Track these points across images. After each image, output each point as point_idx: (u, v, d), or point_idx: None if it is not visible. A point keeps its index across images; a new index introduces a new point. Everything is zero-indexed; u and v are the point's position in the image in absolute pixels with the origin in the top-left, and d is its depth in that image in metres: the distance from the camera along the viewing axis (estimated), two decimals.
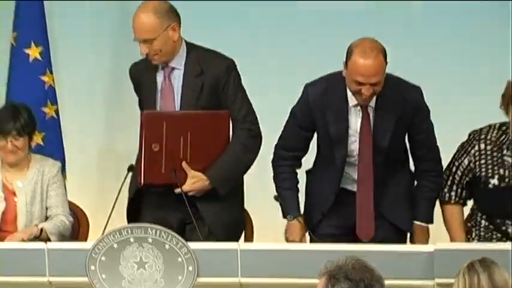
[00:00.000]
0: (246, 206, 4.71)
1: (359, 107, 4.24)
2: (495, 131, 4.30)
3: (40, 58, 5.21)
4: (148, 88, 4.37)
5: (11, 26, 5.26)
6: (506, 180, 4.27)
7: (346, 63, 4.13)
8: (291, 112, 4.38)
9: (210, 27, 5.91)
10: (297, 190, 4.39)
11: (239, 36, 5.96)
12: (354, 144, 4.28)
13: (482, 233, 4.35)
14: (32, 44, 5.18)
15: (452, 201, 4.35)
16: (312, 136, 4.36)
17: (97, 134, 5.70)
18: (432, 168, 4.36)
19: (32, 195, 4.59)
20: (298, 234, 4.30)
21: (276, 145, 4.44)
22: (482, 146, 4.28)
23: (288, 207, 4.32)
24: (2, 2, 5.33)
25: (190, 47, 4.38)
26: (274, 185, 4.47)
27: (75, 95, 5.44)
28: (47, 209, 4.62)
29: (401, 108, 4.25)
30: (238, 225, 4.55)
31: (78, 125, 5.40)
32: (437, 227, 4.70)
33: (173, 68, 4.34)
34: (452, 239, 4.39)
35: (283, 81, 5.88)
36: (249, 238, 4.70)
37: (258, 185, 4.90)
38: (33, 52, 5.20)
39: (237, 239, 4.44)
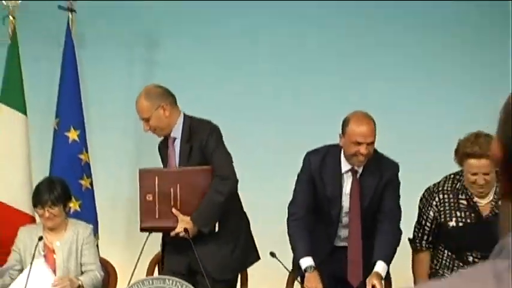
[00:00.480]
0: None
1: (350, 173, 4.36)
2: (450, 181, 4.38)
3: (78, 140, 5.28)
4: (163, 155, 4.56)
5: (54, 113, 5.31)
6: (463, 220, 4.34)
7: (343, 133, 4.28)
8: (297, 177, 4.50)
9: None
10: (310, 244, 4.38)
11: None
12: (345, 204, 4.40)
13: (444, 261, 4.42)
14: (71, 128, 5.25)
15: (424, 248, 4.43)
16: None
17: (124, 202, 5.67)
18: (391, 227, 4.42)
19: (68, 253, 4.61)
20: (318, 283, 4.30)
21: (288, 206, 4.53)
22: (441, 196, 4.36)
23: (299, 255, 4.35)
24: (46, 95, 5.50)
25: (186, 118, 4.55)
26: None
27: (107, 170, 5.39)
28: (81, 265, 4.63)
29: (379, 179, 4.40)
30: (236, 261, 4.56)
31: (108, 194, 5.32)
32: (401, 273, 4.70)
33: (175, 138, 4.51)
34: (416, 279, 4.48)
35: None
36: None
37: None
38: (72, 135, 5.26)
39: (233, 275, 4.55)
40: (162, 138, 4.63)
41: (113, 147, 5.11)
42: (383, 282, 4.38)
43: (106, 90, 5.68)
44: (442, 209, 4.36)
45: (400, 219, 4.45)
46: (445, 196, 4.36)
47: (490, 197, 4.32)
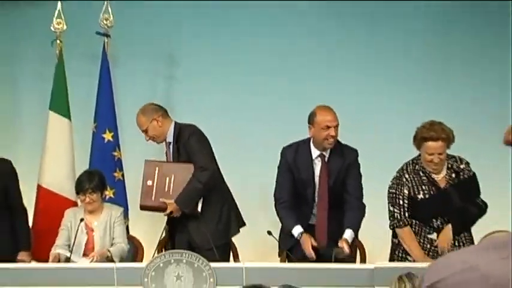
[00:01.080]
0: None
1: (319, 158, 4.59)
2: (410, 165, 4.48)
3: (112, 140, 5.37)
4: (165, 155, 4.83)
5: (93, 118, 5.41)
6: (428, 192, 4.44)
7: (312, 123, 4.53)
8: (278, 169, 4.67)
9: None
10: (297, 218, 4.48)
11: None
12: (317, 184, 4.59)
13: (412, 228, 4.45)
14: (107, 130, 5.35)
15: (407, 223, 4.45)
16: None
17: None
18: (356, 203, 4.59)
19: (103, 231, 4.75)
20: (312, 241, 4.45)
21: (274, 194, 4.66)
22: (407, 176, 4.46)
23: (291, 227, 4.46)
24: (87, 104, 5.53)
25: (176, 124, 4.80)
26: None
27: (135, 164, 5.29)
28: (113, 239, 4.77)
29: (342, 162, 4.60)
30: (218, 233, 4.73)
31: (136, 184, 5.18)
32: (376, 249, 4.89)
33: (169, 142, 4.80)
34: (413, 253, 4.44)
35: None
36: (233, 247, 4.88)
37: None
38: (107, 136, 5.35)
39: (216, 244, 4.61)
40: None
41: (140, 146, 5.10)
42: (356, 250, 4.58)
43: (134, 100, 5.58)
44: (410, 185, 4.44)
45: (362, 196, 4.62)
46: (410, 176, 4.45)
47: (444, 172, 4.44)
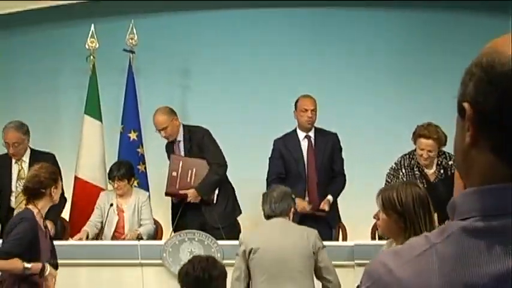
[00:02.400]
0: None
1: (306, 139, 4.70)
2: (407, 160, 4.46)
3: (136, 138, 5.38)
4: (170, 151, 4.87)
5: (120, 121, 5.43)
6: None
7: (296, 108, 4.68)
8: (269, 159, 4.71)
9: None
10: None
11: None
12: (306, 161, 4.68)
13: None
14: (132, 131, 5.38)
15: None
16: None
17: (164, 183, 5.23)
18: (339, 177, 4.71)
19: (132, 212, 4.82)
20: (303, 205, 4.50)
21: (266, 180, 4.69)
22: (403, 170, 4.44)
23: None
24: (116, 109, 5.49)
25: (184, 126, 4.86)
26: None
27: (155, 159, 5.34)
28: (140, 219, 4.84)
29: (326, 142, 4.75)
30: (226, 215, 4.76)
31: (156, 175, 5.25)
32: (356, 226, 4.85)
33: (179, 140, 4.84)
34: None
35: None
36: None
37: None
38: (133, 135, 5.38)
39: (228, 224, 4.69)
40: (167, 141, 4.90)
41: (159, 143, 5.07)
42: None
43: (155, 105, 5.32)
44: (405, 179, 4.44)
45: (343, 167, 4.76)
46: (406, 170, 4.47)
47: (434, 168, 4.43)
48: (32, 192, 3.44)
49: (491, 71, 0.78)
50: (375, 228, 4.54)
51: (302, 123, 4.71)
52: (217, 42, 5.88)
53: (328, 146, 4.74)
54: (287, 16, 5.85)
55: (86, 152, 5.29)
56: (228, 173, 4.88)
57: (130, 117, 5.44)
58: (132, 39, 5.45)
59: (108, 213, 4.74)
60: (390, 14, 5.76)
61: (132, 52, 5.49)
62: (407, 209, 2.53)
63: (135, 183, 5.18)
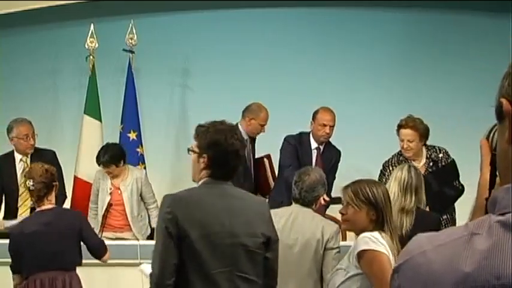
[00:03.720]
0: None
1: (315, 150, 4.69)
2: (396, 157, 4.49)
3: (136, 138, 5.38)
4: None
5: (120, 121, 5.40)
6: None
7: (314, 120, 4.62)
8: (282, 154, 4.63)
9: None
10: None
11: None
12: None
13: None
14: (131, 130, 5.38)
15: None
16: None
17: (168, 180, 5.63)
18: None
19: (131, 192, 4.76)
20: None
21: (281, 165, 4.70)
22: (390, 168, 4.42)
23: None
24: (115, 109, 5.50)
25: None
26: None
27: (155, 159, 5.41)
28: (142, 197, 4.79)
29: (331, 157, 4.75)
30: None
31: (156, 174, 5.27)
32: None
33: (246, 139, 4.70)
34: None
35: None
36: None
37: None
38: (132, 135, 5.38)
39: None
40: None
41: (159, 143, 5.18)
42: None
43: (154, 105, 5.76)
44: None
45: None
46: (393, 167, 4.36)
47: (423, 161, 4.43)
48: (48, 188, 3.47)
49: None
50: None
51: (318, 137, 4.65)
52: (217, 42, 5.88)
53: (333, 161, 4.75)
54: (287, 15, 5.85)
55: (85, 152, 5.26)
56: None
57: (130, 117, 5.44)
58: (131, 39, 5.44)
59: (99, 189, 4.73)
60: (390, 14, 5.74)
61: (132, 52, 5.49)
62: (379, 201, 2.55)
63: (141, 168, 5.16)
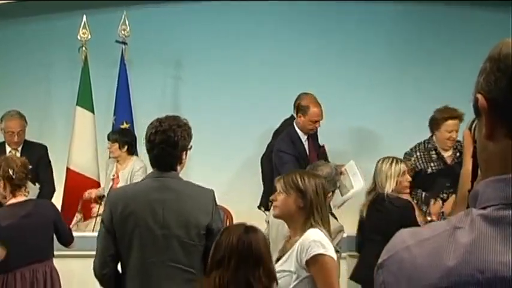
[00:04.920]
0: None
1: (305, 138, 4.65)
2: (422, 145, 4.53)
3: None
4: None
5: (112, 112, 5.43)
6: (436, 167, 4.46)
7: (303, 114, 4.55)
8: (281, 162, 4.50)
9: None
10: None
11: None
12: (309, 159, 4.64)
13: (421, 199, 4.42)
14: (124, 122, 5.37)
15: None
16: None
17: None
18: None
19: (125, 179, 4.77)
20: None
21: (279, 151, 4.57)
22: (418, 153, 4.51)
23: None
24: (108, 100, 5.48)
25: None
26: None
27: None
28: None
29: (318, 144, 4.80)
30: None
31: (149, 165, 5.11)
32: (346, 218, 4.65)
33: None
34: None
35: None
36: None
37: None
38: (125, 126, 5.31)
39: None
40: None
41: None
42: None
43: (147, 96, 5.74)
44: (420, 161, 4.48)
45: None
46: (421, 153, 4.52)
47: (451, 151, 4.50)
48: (26, 179, 3.50)
49: (498, 59, 0.82)
50: None
51: (307, 130, 4.63)
52: (210, 34, 5.88)
53: (320, 147, 4.79)
54: (280, 7, 5.82)
55: (78, 143, 5.29)
56: (219, 163, 4.79)
57: (123, 109, 5.42)
58: (124, 30, 5.43)
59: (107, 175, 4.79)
60: (388, 8, 5.71)
61: (125, 43, 5.47)
62: (308, 189, 2.58)
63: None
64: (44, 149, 4.81)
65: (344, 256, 4.21)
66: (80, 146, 5.24)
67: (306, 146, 4.69)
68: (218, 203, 2.76)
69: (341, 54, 5.80)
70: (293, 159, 4.55)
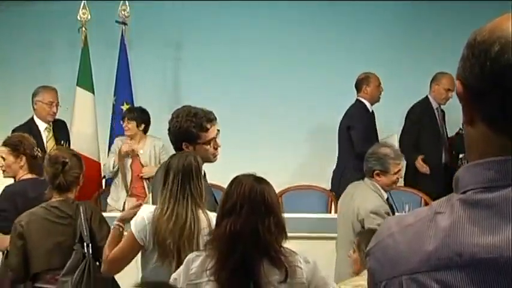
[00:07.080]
0: None
1: (436, 110, 4.86)
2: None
3: None
4: None
5: (113, 93, 5.43)
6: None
7: (437, 83, 4.72)
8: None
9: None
10: None
11: None
12: None
13: None
14: (124, 102, 5.38)
15: None
16: None
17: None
18: None
19: (149, 158, 4.79)
20: None
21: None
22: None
23: None
24: (108, 81, 5.47)
25: None
26: None
27: (149, 131, 5.10)
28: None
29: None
30: None
31: None
32: None
33: None
34: None
35: None
36: None
37: None
38: (125, 107, 5.34)
39: None
40: None
41: (151, 115, 4.96)
42: None
43: (147, 77, 5.74)
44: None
45: None
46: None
47: None
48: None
49: (473, 45, 0.83)
50: None
51: (440, 100, 4.72)
52: (210, 15, 5.85)
53: None
54: None
55: (78, 124, 5.27)
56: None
57: (123, 89, 5.42)
58: (124, 10, 5.43)
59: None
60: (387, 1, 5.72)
61: (125, 24, 5.46)
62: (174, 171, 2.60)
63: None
64: (65, 124, 4.98)
65: None
66: (80, 127, 5.23)
67: (437, 116, 4.84)
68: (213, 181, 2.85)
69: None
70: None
